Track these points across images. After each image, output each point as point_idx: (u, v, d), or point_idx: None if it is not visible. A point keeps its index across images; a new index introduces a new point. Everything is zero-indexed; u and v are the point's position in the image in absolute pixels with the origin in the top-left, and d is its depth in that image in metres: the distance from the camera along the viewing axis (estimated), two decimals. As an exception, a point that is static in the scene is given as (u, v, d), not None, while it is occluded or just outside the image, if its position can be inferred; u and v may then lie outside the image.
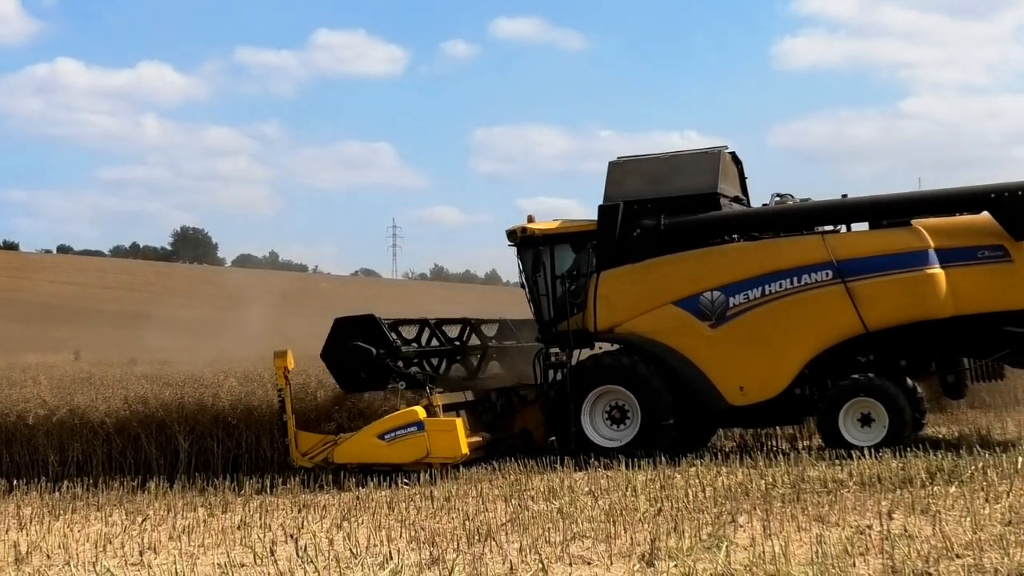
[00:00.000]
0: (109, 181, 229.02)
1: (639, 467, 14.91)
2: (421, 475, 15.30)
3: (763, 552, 8.99)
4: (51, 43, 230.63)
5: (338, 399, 17.15)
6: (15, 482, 16.27)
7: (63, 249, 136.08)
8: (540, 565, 9.04)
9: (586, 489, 13.32)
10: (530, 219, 18.04)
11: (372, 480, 15.24)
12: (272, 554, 10.14)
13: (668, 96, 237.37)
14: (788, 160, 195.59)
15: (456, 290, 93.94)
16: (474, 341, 19.11)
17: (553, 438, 17.63)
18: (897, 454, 14.44)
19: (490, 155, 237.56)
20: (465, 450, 16.00)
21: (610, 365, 17.05)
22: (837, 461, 14.35)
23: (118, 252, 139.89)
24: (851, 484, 12.39)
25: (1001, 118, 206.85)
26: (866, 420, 15.89)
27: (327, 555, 9.98)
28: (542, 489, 13.53)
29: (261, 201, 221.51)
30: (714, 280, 16.71)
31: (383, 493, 14.18)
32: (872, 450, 14.96)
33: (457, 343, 18.75)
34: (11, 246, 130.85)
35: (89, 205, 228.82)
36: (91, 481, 15.97)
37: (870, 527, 9.91)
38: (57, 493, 15.33)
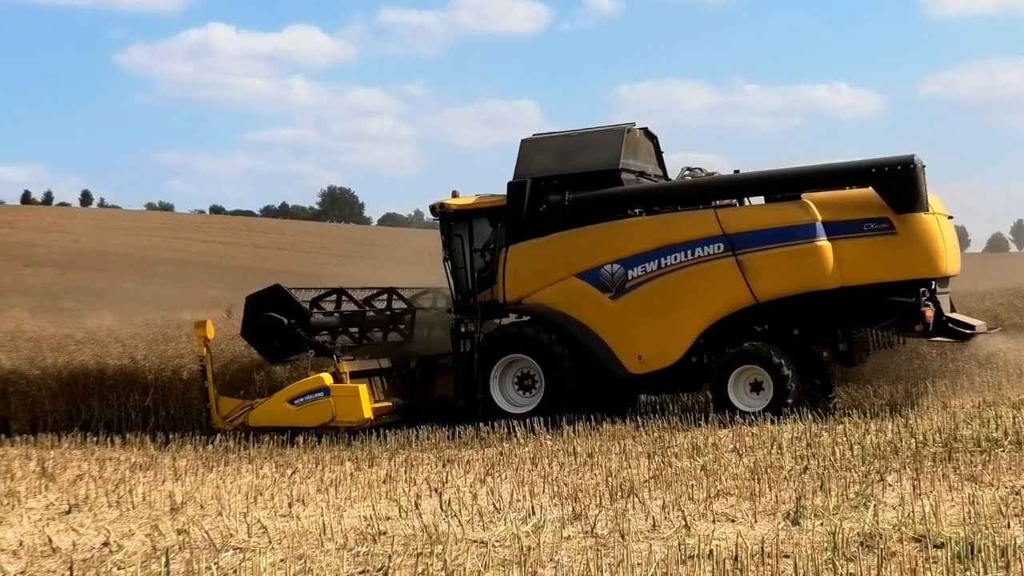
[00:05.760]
0: (258, 143, 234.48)
1: (785, 424, 14.74)
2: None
3: (912, 512, 8.79)
4: (204, 9, 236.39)
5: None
6: (171, 435, 16.73)
7: (215, 209, 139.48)
8: (683, 522, 8.97)
9: (730, 446, 13.20)
10: (454, 194, 18.56)
11: (515, 436, 15.32)
12: (417, 507, 10.26)
13: (816, 48, 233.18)
14: (939, 111, 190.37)
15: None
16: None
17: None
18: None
19: (633, 111, 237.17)
20: (368, 415, 16.72)
21: (516, 335, 17.61)
22: (991, 420, 13.94)
23: (268, 212, 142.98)
24: (1006, 443, 12.03)
25: None
26: (757, 387, 16.34)
27: (471, 509, 10.05)
28: (686, 446, 13.44)
29: (406, 160, 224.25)
30: (614, 253, 17.18)
31: (526, 449, 14.24)
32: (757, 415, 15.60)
33: (386, 312, 19.24)
34: (166, 207, 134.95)
35: (239, 166, 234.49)
36: (243, 435, 16.36)
37: (1026, 488, 9.64)
38: (210, 446, 15.76)
